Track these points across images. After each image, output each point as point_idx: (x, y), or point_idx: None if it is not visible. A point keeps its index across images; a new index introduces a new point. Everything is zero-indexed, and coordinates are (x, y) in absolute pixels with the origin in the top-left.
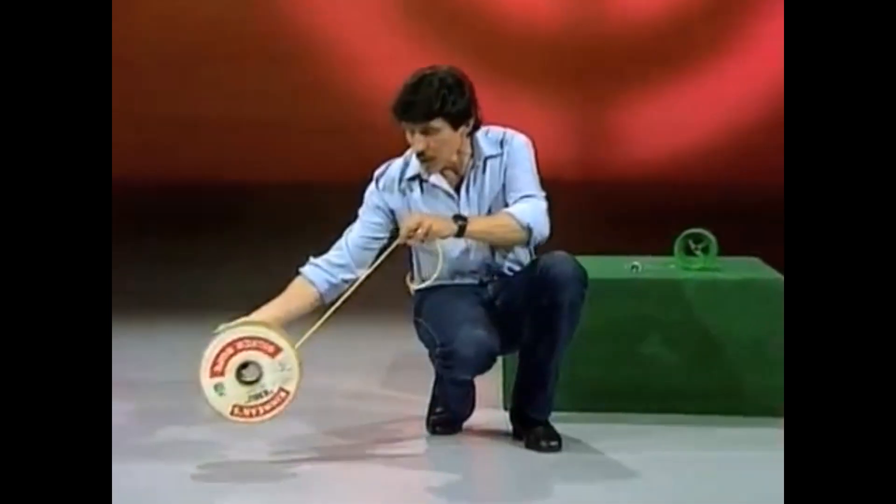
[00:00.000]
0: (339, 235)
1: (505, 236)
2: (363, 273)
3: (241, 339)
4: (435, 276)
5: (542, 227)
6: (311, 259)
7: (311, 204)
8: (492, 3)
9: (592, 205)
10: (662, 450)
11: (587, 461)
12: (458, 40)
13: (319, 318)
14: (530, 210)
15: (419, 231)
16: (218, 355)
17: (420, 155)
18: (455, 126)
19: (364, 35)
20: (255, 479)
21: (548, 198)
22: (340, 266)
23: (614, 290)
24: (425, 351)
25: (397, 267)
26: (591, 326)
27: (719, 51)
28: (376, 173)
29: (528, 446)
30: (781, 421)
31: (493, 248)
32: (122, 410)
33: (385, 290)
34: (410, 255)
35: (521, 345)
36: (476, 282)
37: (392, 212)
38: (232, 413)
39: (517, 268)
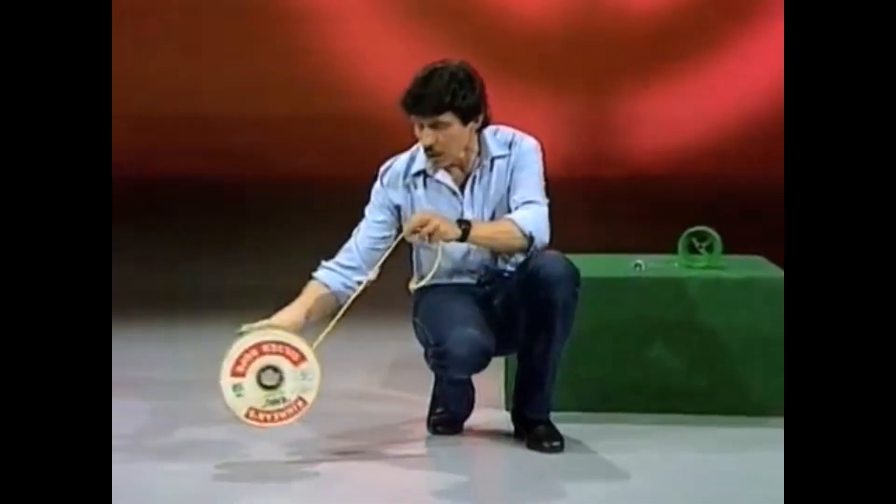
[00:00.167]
0: (344, 233)
1: (507, 243)
2: (374, 273)
3: (267, 342)
4: (431, 273)
5: (542, 236)
6: (323, 263)
7: (314, 201)
8: None
9: (595, 202)
10: (665, 450)
11: (589, 461)
12: (460, 36)
13: (329, 320)
14: (532, 217)
15: (424, 229)
16: (242, 356)
17: (428, 150)
18: (465, 121)
19: (364, 33)
20: (254, 479)
21: (550, 205)
22: (352, 268)
23: (617, 289)
24: None
25: (399, 266)
26: (593, 325)
27: (725, 46)
28: (380, 170)
29: (530, 446)
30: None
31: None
32: (122, 410)
33: (386, 289)
34: (411, 253)
35: (517, 346)
36: (474, 281)
37: (397, 208)
38: (247, 415)
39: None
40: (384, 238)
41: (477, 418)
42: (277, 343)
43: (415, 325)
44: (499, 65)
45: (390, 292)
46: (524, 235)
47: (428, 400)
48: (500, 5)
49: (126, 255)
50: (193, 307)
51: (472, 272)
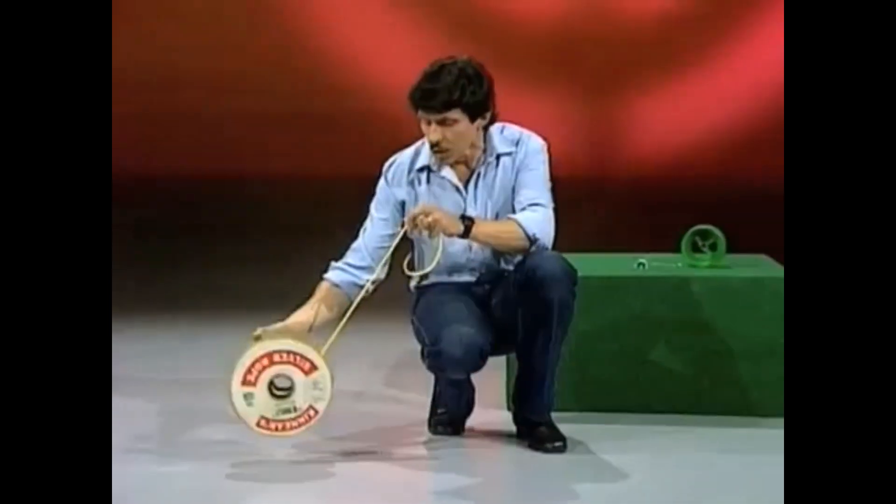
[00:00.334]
0: (348, 232)
1: (508, 243)
2: (384, 272)
3: (278, 351)
4: (430, 267)
5: (546, 239)
6: (333, 263)
7: (314, 200)
8: None
9: (598, 201)
10: (667, 450)
11: (591, 462)
12: (461, 34)
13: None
14: (537, 220)
15: (425, 220)
16: (253, 364)
17: (434, 146)
18: (472, 118)
19: (365, 30)
20: (254, 479)
21: (555, 209)
22: (362, 268)
23: (620, 289)
24: None
25: (401, 267)
26: (596, 325)
27: (727, 46)
28: (384, 167)
29: (532, 447)
30: None
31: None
32: (122, 410)
33: (387, 289)
34: (413, 248)
35: (516, 345)
36: (474, 280)
37: (402, 204)
38: (258, 424)
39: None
40: (392, 235)
41: (478, 418)
42: (289, 353)
43: (412, 324)
44: (500, 64)
45: (391, 292)
46: (527, 237)
47: (428, 400)
48: (502, 4)
49: (126, 254)
50: (194, 307)
51: (472, 270)
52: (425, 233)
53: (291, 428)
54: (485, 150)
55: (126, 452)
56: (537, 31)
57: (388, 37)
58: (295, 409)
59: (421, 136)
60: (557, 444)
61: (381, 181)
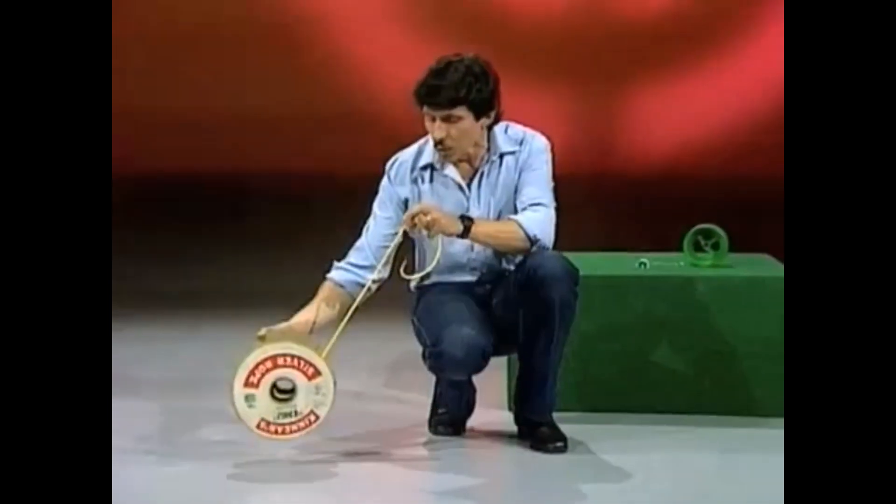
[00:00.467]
0: (350, 232)
1: (508, 244)
2: (386, 271)
3: (282, 354)
4: (429, 268)
5: (547, 239)
6: (336, 263)
7: (313, 199)
8: None
9: (600, 199)
10: (669, 451)
11: (592, 462)
12: (463, 33)
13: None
14: (538, 220)
15: (423, 218)
16: (256, 367)
17: (439, 143)
18: (477, 116)
19: (366, 27)
20: (255, 480)
21: (557, 209)
22: (365, 267)
23: (622, 288)
24: None
25: (399, 264)
26: (597, 325)
27: (727, 46)
28: (387, 166)
29: (533, 447)
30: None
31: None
32: (122, 410)
33: (387, 289)
34: (413, 247)
35: (517, 345)
36: (474, 279)
37: (405, 202)
38: (258, 426)
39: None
40: (395, 234)
41: (479, 419)
42: (293, 357)
43: (413, 324)
44: (501, 63)
45: (391, 292)
46: (528, 237)
47: (429, 400)
48: (503, 4)
49: (126, 254)
50: (194, 307)
51: (473, 270)
52: (424, 232)
53: (291, 432)
54: (488, 149)
55: (126, 453)
56: (538, 31)
57: (389, 37)
58: (296, 414)
59: (424, 133)
60: (559, 444)
61: (384, 179)
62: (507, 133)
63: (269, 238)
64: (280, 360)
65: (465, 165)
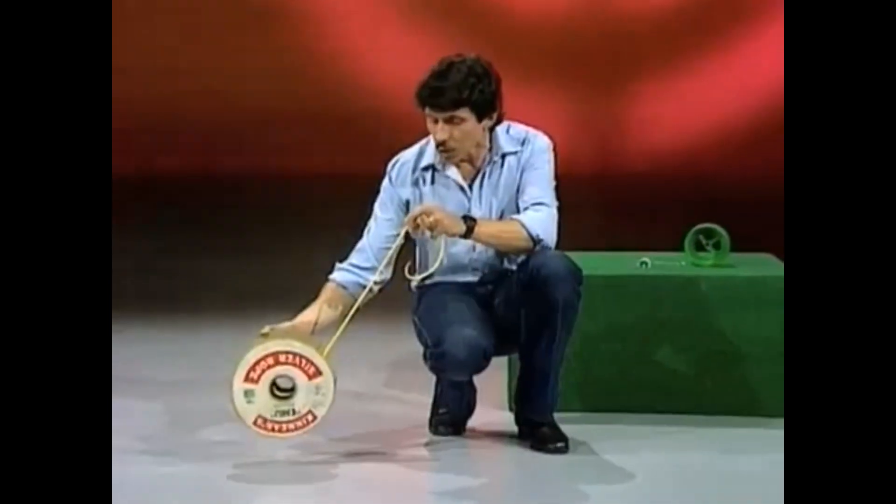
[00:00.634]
0: (350, 232)
1: (511, 244)
2: (388, 272)
3: (284, 352)
4: (432, 269)
5: (549, 239)
6: (338, 264)
7: (318, 200)
8: None
9: (601, 199)
10: (670, 451)
11: (593, 462)
12: (463, 34)
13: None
14: (540, 220)
15: (426, 219)
16: (257, 363)
17: (440, 145)
18: (480, 117)
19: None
20: (255, 480)
21: (559, 208)
22: (367, 269)
23: (623, 288)
24: None
25: (401, 265)
26: (598, 324)
27: (728, 46)
28: (388, 167)
29: (534, 448)
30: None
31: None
32: (122, 410)
33: (388, 289)
34: (415, 248)
35: (519, 346)
36: (476, 279)
37: (406, 203)
38: (255, 423)
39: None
40: (396, 235)
41: (480, 419)
42: (295, 354)
43: (414, 324)
44: (502, 63)
45: (392, 292)
46: (530, 237)
47: (430, 400)
48: (504, 3)
49: (126, 255)
50: (194, 306)
51: (475, 270)
52: (427, 233)
53: (288, 430)
54: (490, 150)
55: (126, 453)
56: (539, 31)
57: (390, 36)
58: (294, 412)
59: (425, 134)
60: (560, 444)
61: (385, 181)
62: (509, 133)
63: (269, 238)
64: (282, 357)
65: (466, 166)
